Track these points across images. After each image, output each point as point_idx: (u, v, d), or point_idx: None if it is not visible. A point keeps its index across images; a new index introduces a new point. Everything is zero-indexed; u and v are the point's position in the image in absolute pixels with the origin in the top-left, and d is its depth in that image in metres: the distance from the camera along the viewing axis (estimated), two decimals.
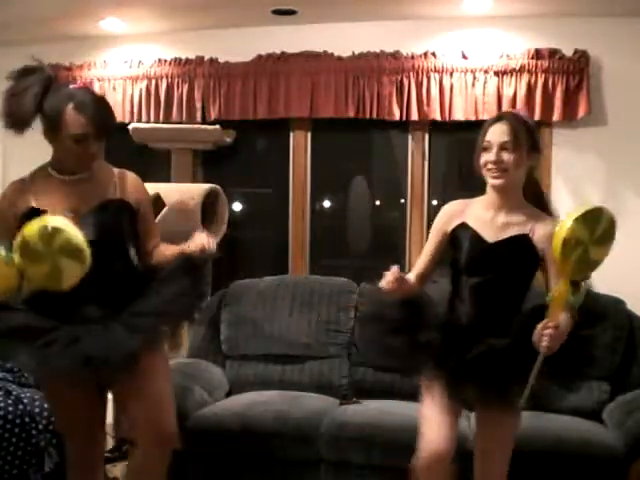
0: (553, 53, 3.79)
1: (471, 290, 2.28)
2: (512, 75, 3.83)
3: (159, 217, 3.66)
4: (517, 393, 2.16)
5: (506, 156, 2.22)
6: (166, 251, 2.39)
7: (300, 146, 4.28)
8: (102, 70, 4.32)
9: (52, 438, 2.97)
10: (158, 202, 3.64)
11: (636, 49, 3.78)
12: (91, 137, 2.21)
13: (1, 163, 4.53)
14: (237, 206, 4.52)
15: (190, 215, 3.61)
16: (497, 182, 2.25)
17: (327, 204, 4.49)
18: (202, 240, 2.24)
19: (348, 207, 4.47)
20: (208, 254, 2.26)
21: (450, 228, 2.35)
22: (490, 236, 2.27)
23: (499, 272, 2.27)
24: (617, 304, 3.39)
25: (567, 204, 3.90)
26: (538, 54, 3.81)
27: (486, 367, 2.17)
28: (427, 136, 4.12)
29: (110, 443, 3.66)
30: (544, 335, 2.05)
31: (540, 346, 2.06)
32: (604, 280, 3.55)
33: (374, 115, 3.98)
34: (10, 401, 2.90)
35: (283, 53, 4.11)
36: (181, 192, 3.69)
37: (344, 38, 4.06)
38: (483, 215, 2.31)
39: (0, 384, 3.01)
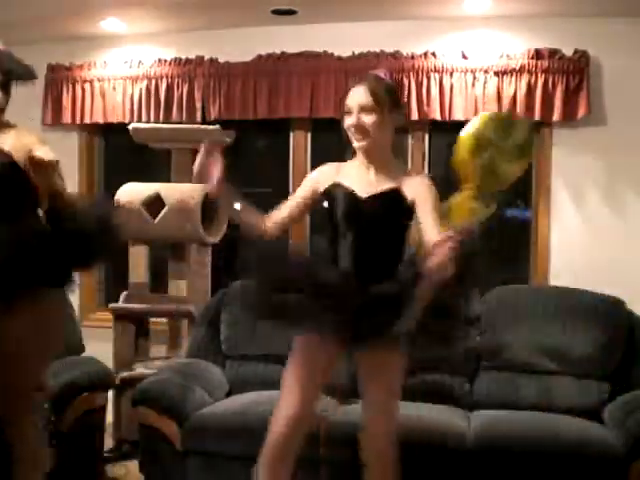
0: (553, 53, 3.79)
1: (349, 246, 2.31)
2: (512, 75, 3.83)
3: (159, 217, 3.67)
4: (399, 333, 2.16)
5: (366, 118, 2.26)
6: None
7: (300, 146, 4.29)
8: (102, 70, 4.32)
9: (52, 438, 2.97)
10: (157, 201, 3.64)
11: (636, 49, 3.78)
12: None
13: None
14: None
15: (190, 215, 3.61)
16: (360, 144, 2.30)
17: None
18: None
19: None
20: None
21: (323, 187, 2.40)
22: (363, 192, 2.32)
23: (373, 226, 2.31)
24: (617, 304, 3.38)
25: (567, 204, 3.91)
26: (538, 54, 3.81)
27: (369, 309, 2.17)
28: (427, 136, 4.12)
29: (110, 443, 3.67)
30: (438, 245, 1.96)
31: (432, 259, 1.97)
32: (604, 280, 3.58)
33: None
34: None
35: (283, 53, 4.11)
36: (181, 192, 3.69)
37: (344, 38, 4.06)
38: (355, 174, 2.36)
39: None
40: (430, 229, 2.17)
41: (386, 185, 2.31)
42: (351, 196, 2.33)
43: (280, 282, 2.30)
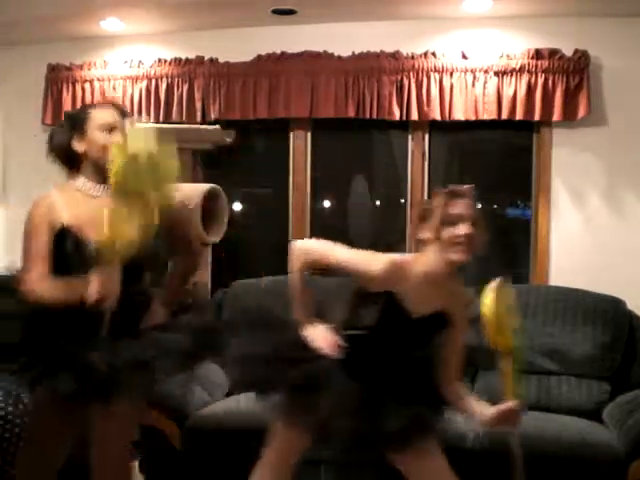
0: (553, 53, 3.79)
1: (382, 355, 2.17)
2: (512, 75, 3.82)
3: None
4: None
5: (477, 232, 2.09)
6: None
7: (300, 146, 4.28)
8: (102, 70, 4.31)
9: None
10: None
11: (636, 49, 3.78)
12: (119, 128, 2.20)
13: (1, 163, 4.53)
14: (237, 206, 4.52)
15: (190, 215, 3.61)
16: (463, 258, 2.08)
17: (327, 204, 4.49)
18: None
19: (348, 207, 4.47)
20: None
21: (389, 288, 2.13)
22: (417, 310, 2.13)
23: (417, 343, 2.21)
24: (617, 304, 3.39)
25: (567, 204, 3.91)
26: (538, 54, 3.81)
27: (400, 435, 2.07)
28: (427, 136, 4.12)
29: None
30: (511, 417, 2.10)
31: (510, 429, 2.13)
32: (604, 280, 3.59)
33: (374, 115, 3.98)
34: (10, 401, 2.90)
35: (283, 53, 4.11)
36: (181, 192, 3.68)
37: (344, 38, 4.06)
38: (419, 288, 2.13)
39: (0, 384, 3.01)
40: (456, 351, 2.22)
41: (438, 304, 2.15)
42: (404, 314, 2.13)
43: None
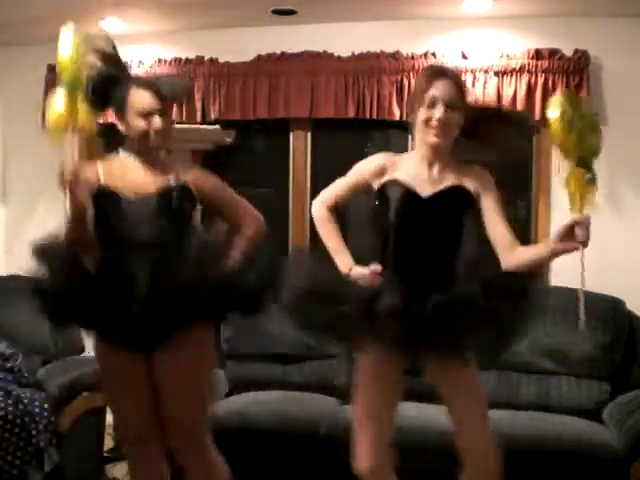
0: (553, 53, 3.79)
1: (403, 249, 2.21)
2: (512, 75, 3.82)
3: None
4: (468, 345, 2.13)
5: (453, 115, 2.15)
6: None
7: (300, 146, 4.28)
8: None
9: (52, 438, 2.97)
10: None
11: (636, 49, 3.77)
12: (155, 112, 2.26)
13: (1, 163, 4.53)
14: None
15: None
16: (439, 140, 2.16)
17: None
18: None
19: (348, 207, 4.45)
20: None
21: (376, 183, 2.27)
22: (424, 191, 2.20)
23: (434, 227, 2.20)
24: (617, 304, 3.39)
25: (567, 204, 3.90)
26: (538, 54, 3.81)
27: (436, 323, 2.09)
28: None
29: (110, 443, 3.66)
30: (578, 228, 2.01)
31: (577, 243, 2.01)
32: (604, 280, 3.58)
33: (374, 115, 3.98)
34: (10, 401, 2.90)
35: (283, 53, 4.11)
36: None
37: (344, 38, 4.06)
38: (415, 170, 2.23)
39: (0, 384, 3.01)
40: (495, 224, 2.20)
41: (449, 182, 2.21)
42: (410, 195, 2.20)
43: (326, 297, 2.22)
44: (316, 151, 4.28)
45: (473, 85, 3.86)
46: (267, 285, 2.33)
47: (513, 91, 3.82)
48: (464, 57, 3.89)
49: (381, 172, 2.26)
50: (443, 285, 2.15)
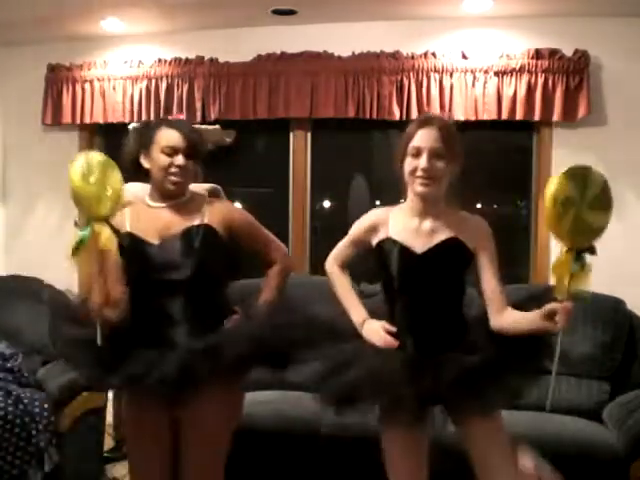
0: (553, 53, 3.79)
1: (407, 308, 2.18)
2: (512, 75, 3.83)
3: None
4: (493, 396, 2.12)
5: (438, 164, 2.10)
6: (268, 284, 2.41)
7: (300, 146, 4.29)
8: (102, 70, 4.31)
9: (52, 438, 2.97)
10: None
11: (636, 49, 3.78)
12: (181, 151, 2.27)
13: (1, 163, 4.53)
14: (237, 206, 4.52)
15: None
16: (426, 190, 2.13)
17: (327, 204, 4.49)
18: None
19: (348, 207, 4.46)
20: None
21: (374, 241, 2.24)
22: (419, 246, 2.16)
23: (433, 283, 2.16)
24: (617, 304, 3.39)
25: None
26: (538, 54, 3.81)
27: (461, 381, 2.05)
28: None
29: (110, 443, 3.66)
30: (559, 314, 1.96)
31: (556, 326, 1.98)
32: (604, 280, 3.57)
33: (374, 115, 3.98)
34: (10, 401, 2.90)
35: (283, 53, 4.11)
36: None
37: (344, 38, 4.06)
38: (408, 224, 2.20)
39: (0, 384, 3.01)
40: (489, 282, 2.17)
41: (443, 235, 2.16)
42: (405, 251, 2.16)
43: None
44: (316, 151, 4.29)
45: (473, 85, 3.87)
46: (295, 343, 2.29)
47: (513, 91, 3.82)
48: (464, 57, 3.90)
49: (374, 229, 2.25)
50: (454, 339, 2.15)
